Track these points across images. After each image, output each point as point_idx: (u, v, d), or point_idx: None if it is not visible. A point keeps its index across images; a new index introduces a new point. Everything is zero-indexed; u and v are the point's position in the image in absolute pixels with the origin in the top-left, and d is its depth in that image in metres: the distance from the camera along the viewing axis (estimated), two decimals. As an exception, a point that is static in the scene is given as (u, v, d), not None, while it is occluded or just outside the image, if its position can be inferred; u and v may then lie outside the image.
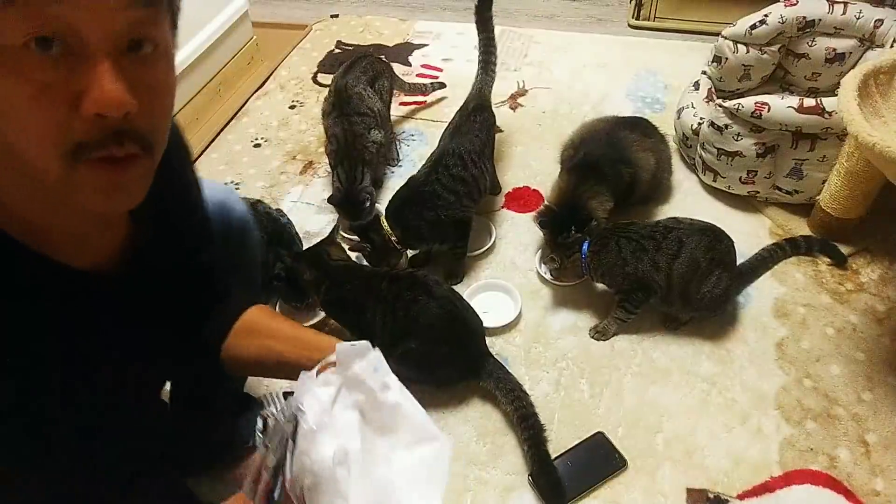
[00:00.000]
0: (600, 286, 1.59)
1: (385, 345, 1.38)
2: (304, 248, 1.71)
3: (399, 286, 1.39)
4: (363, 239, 1.60)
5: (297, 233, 1.69)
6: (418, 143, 2.19)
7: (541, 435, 1.29)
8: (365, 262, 1.63)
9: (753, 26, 1.68)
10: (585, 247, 1.48)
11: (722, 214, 1.83)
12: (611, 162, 1.64)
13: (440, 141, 1.75)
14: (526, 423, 1.30)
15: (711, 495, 1.26)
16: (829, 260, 1.67)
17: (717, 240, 1.45)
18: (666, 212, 1.86)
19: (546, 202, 1.67)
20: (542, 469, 1.26)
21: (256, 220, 1.60)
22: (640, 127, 1.81)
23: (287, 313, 1.65)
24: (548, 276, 1.66)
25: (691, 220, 1.49)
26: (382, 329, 1.38)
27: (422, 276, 1.42)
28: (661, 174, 1.81)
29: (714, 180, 1.85)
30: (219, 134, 2.33)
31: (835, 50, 1.69)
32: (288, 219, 1.70)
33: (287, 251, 1.60)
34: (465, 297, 1.59)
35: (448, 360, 1.39)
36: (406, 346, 1.35)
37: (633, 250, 1.42)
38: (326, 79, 2.51)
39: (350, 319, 1.47)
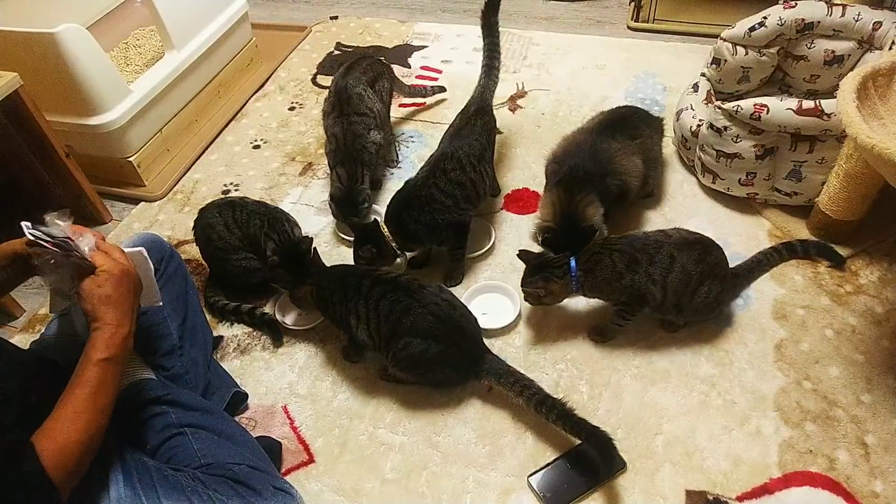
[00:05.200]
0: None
1: (378, 346, 1.39)
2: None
3: (383, 288, 1.39)
4: (362, 239, 1.60)
5: (293, 219, 1.69)
6: (418, 144, 2.19)
7: (565, 408, 1.27)
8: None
9: (752, 28, 1.69)
10: (573, 264, 1.43)
11: (721, 216, 1.83)
12: (598, 177, 1.61)
13: (440, 144, 1.74)
14: (546, 407, 1.29)
15: (711, 497, 1.26)
16: (828, 262, 1.67)
17: (706, 252, 1.43)
18: (665, 213, 1.86)
19: (540, 219, 1.64)
20: (590, 435, 1.24)
21: (246, 216, 1.62)
22: (623, 127, 1.72)
23: (287, 308, 1.66)
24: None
25: (678, 231, 1.47)
26: (366, 330, 1.39)
27: (405, 281, 1.41)
28: (650, 171, 1.77)
29: (713, 182, 1.85)
30: (218, 135, 2.33)
31: (833, 52, 1.70)
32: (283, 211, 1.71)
33: (281, 228, 1.61)
34: (464, 298, 1.59)
35: (444, 362, 1.38)
36: (397, 349, 1.36)
37: (628, 263, 1.41)
38: (326, 80, 2.52)
39: (328, 313, 1.49)
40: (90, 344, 0.96)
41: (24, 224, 1.00)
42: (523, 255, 1.51)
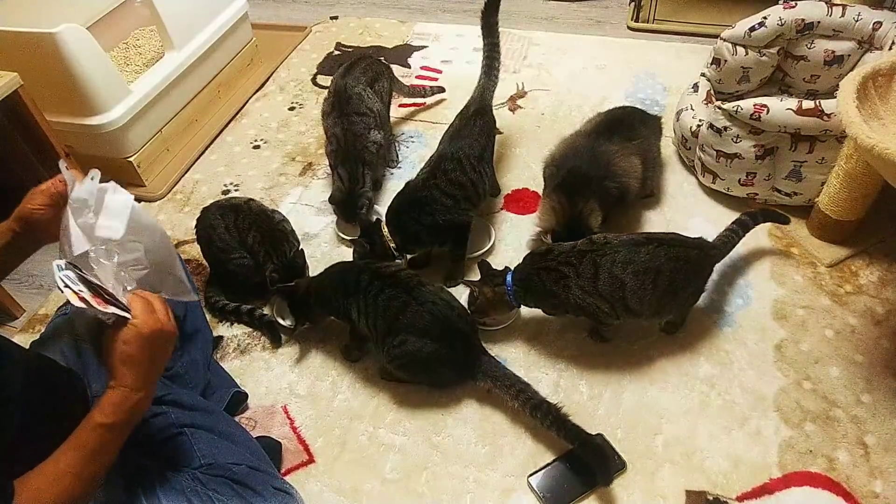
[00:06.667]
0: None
1: (375, 341, 1.40)
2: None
3: (382, 283, 1.39)
4: (365, 239, 1.60)
5: (292, 230, 1.69)
6: (417, 144, 2.19)
7: (559, 414, 1.27)
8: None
9: (752, 28, 1.69)
10: (510, 279, 1.44)
11: (721, 216, 1.83)
12: (597, 180, 1.61)
13: (439, 144, 1.74)
14: (541, 411, 1.29)
15: (710, 497, 1.26)
16: (827, 261, 1.67)
17: (634, 252, 1.35)
18: (665, 213, 1.86)
19: (539, 226, 1.64)
20: (583, 443, 1.25)
21: (247, 225, 1.62)
22: (620, 128, 1.72)
23: (285, 310, 1.64)
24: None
25: (605, 237, 1.41)
26: (365, 323, 1.39)
27: (405, 277, 1.41)
28: (648, 172, 1.77)
29: (713, 182, 1.85)
30: (218, 135, 2.33)
31: (833, 52, 1.70)
32: (283, 216, 1.71)
33: (280, 249, 1.61)
34: (464, 299, 1.59)
35: (439, 362, 1.39)
36: (392, 346, 1.37)
37: (556, 279, 1.38)
38: (326, 80, 2.52)
39: (333, 310, 1.50)
40: (98, 403, 0.89)
41: (56, 263, 0.89)
42: (482, 265, 1.53)
